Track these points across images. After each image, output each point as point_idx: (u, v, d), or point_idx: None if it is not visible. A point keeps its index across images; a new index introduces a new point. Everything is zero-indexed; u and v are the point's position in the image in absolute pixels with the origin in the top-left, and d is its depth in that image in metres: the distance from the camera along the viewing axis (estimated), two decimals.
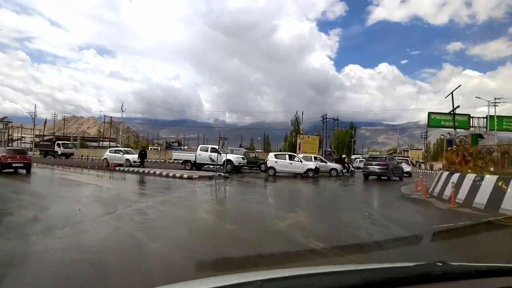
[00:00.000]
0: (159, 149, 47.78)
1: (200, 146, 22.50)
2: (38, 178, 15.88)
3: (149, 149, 60.81)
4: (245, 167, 23.95)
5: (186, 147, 49.96)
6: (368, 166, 20.28)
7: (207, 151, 20.87)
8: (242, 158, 21.83)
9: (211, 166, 17.08)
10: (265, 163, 20.95)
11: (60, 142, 42.40)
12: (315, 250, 4.58)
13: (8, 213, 6.93)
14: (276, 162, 20.13)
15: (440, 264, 1.19)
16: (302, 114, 55.49)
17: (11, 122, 74.91)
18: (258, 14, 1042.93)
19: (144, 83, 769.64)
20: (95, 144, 78.64)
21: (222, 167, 19.19)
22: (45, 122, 66.28)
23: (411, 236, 5.84)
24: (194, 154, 21.73)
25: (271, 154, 21.69)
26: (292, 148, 53.79)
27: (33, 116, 57.24)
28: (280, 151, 52.97)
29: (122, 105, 45.09)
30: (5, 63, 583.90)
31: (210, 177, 16.44)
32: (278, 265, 4.14)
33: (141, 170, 19.95)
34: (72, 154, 38.16)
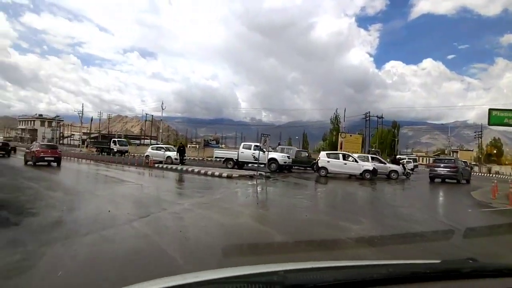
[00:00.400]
0: (198, 147, 47.73)
1: (242, 143, 21.28)
2: (77, 174, 15.76)
3: (188, 147, 61.39)
4: (297, 167, 22.54)
5: (223, 146, 49.61)
6: (436, 168, 18.66)
7: (250, 148, 19.62)
8: (288, 157, 20.36)
9: (254, 165, 15.91)
10: (317, 163, 19.17)
11: (116, 139, 41.48)
12: None
13: (33, 213, 6.18)
14: (328, 162, 18.35)
15: (470, 261, 1.17)
16: (345, 111, 52.60)
17: (62, 120, 79.56)
18: (295, 12, 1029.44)
19: (183, 83, 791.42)
20: (138, 141, 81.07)
21: (265, 166, 18.03)
22: (91, 121, 69.40)
23: None
24: (236, 152, 20.71)
25: (323, 153, 19.91)
26: (332, 147, 51.47)
27: (81, 115, 60.01)
28: (319, 150, 50.87)
29: (162, 103, 45.48)
30: (59, 67, 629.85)
31: (251, 177, 15.29)
32: None
33: (179, 167, 19.30)
34: (127, 151, 37.43)
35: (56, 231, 5.00)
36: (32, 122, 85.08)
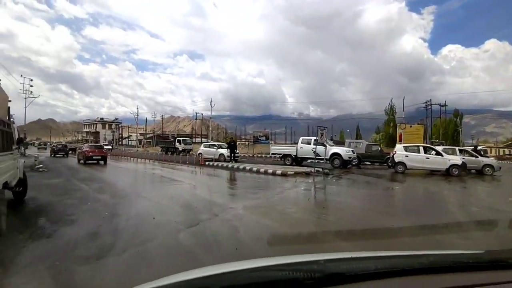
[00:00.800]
0: (247, 143, 47.42)
1: (301, 138, 19.79)
2: (130, 173, 15.63)
3: (237, 144, 61.50)
4: (366, 163, 20.69)
5: (272, 142, 48.58)
6: None
7: (309, 143, 17.94)
8: (352, 151, 18.47)
9: (315, 161, 14.49)
10: (392, 158, 16.85)
11: (181, 138, 41.54)
12: None
13: (71, 221, 5.47)
14: (406, 156, 15.96)
15: None
16: (403, 100, 48.34)
17: (121, 122, 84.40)
18: (340, 2, 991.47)
19: (230, 82, 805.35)
20: (170, 140, 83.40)
21: (328, 161, 16.50)
22: (146, 122, 72.59)
23: None
24: (294, 147, 19.33)
25: (399, 146, 17.44)
26: (389, 140, 47.78)
27: (136, 116, 62.84)
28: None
29: (211, 101, 45.57)
30: (117, 74, 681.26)
31: (308, 174, 13.87)
32: None
33: (231, 165, 18.48)
34: (191, 150, 36.96)
35: (90, 247, 4.13)
36: (95, 125, 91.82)
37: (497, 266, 1.01)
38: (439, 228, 5.37)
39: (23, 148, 36.33)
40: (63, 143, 42.23)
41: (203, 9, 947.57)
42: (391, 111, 56.29)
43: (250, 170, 15.90)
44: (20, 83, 39.06)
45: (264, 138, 45.34)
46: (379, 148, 21.83)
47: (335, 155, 17.29)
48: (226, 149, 21.39)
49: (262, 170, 15.27)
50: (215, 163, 19.89)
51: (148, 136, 73.09)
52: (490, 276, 0.95)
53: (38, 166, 16.27)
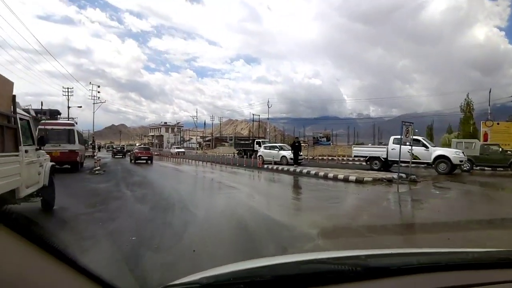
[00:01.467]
0: (307, 145, 44.94)
1: (392, 138, 16.65)
2: (183, 178, 14.37)
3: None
4: (487, 167, 17.11)
5: (332, 143, 45.15)
6: None
7: (405, 144, 14.92)
8: (462, 153, 14.99)
9: (410, 165, 11.80)
10: None
11: (260, 140, 38.34)
12: None
13: (85, 249, 3.85)
14: None
15: None
16: (490, 92, 41.42)
17: (182, 126, 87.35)
18: None
19: (286, 84, 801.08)
20: (248, 142, 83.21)
21: (431, 166, 13.79)
22: (205, 125, 73.90)
23: None
24: (384, 149, 16.33)
25: None
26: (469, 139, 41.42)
27: (196, 120, 64.00)
28: (447, 144, 41.39)
29: (268, 101, 43.93)
30: (179, 81, 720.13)
31: (389, 181, 11.20)
32: None
33: (293, 168, 16.34)
34: None
35: None
36: (159, 129, 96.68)
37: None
38: None
39: (94, 150, 38.49)
40: (121, 145, 47.13)
41: (258, 13, 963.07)
42: (467, 107, 49.31)
43: (316, 175, 13.60)
44: (89, 89, 41.48)
45: (325, 139, 42.25)
46: (500, 149, 17.28)
47: (441, 157, 14.15)
48: (290, 151, 19.27)
49: (330, 175, 12.89)
50: (275, 167, 17.94)
51: (207, 138, 74.30)
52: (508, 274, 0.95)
53: (96, 168, 15.94)
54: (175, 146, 51.48)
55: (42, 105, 35.90)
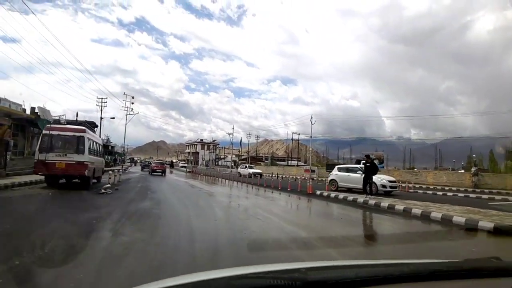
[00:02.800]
0: None
1: None
2: (209, 204, 10.18)
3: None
4: None
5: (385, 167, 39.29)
6: None
7: None
8: None
9: None
10: None
11: (363, 160, 29.77)
12: None
13: None
14: None
15: (493, 260, 1.13)
16: None
17: (218, 144, 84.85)
18: (444, 14, 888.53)
19: (322, 106, 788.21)
20: (283, 163, 78.64)
21: None
22: (241, 143, 70.63)
23: None
24: None
25: None
26: None
27: (231, 137, 60.88)
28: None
29: (312, 117, 39.41)
30: (217, 101, 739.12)
31: None
32: None
33: (364, 199, 11.67)
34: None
35: None
36: (195, 146, 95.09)
37: (474, 275, 1.01)
38: None
39: (123, 163, 36.23)
40: (148, 161, 49.05)
41: (296, 35, 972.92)
42: None
43: (410, 215, 8.85)
44: (122, 100, 39.56)
45: (377, 161, 36.45)
46: None
47: None
48: (388, 179, 14.66)
49: (437, 216, 8.10)
50: (333, 194, 13.28)
51: (242, 157, 70.90)
52: (467, 285, 0.98)
53: (106, 186, 12.39)
54: (247, 165, 36.35)
55: (77, 115, 34.28)
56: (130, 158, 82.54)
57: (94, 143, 15.06)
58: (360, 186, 13.09)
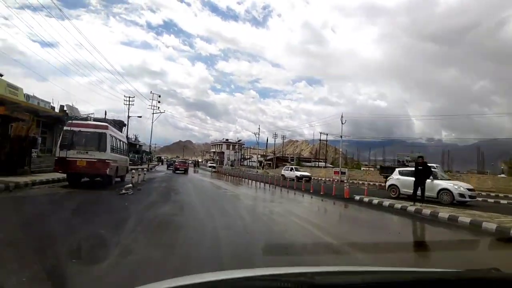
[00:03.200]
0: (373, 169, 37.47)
1: None
2: (237, 210, 8.93)
3: (361, 169, 51.05)
4: None
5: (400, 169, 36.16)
6: None
7: None
8: None
9: None
10: None
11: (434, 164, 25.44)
12: None
13: None
14: None
15: (493, 271, 1.12)
16: None
17: (243, 144, 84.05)
18: (478, 11, 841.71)
19: (348, 106, 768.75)
20: (309, 164, 76.53)
21: None
22: (267, 143, 69.17)
23: None
24: None
25: None
26: None
27: (258, 136, 59.76)
28: None
29: (342, 116, 37.46)
30: (243, 101, 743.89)
31: None
32: None
33: (411, 208, 10.03)
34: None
35: None
36: (220, 146, 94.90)
37: (475, 285, 1.01)
38: None
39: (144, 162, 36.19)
40: (172, 159, 50.86)
41: (322, 35, 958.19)
42: None
43: (479, 229, 7.19)
44: (149, 99, 39.40)
45: (413, 164, 33.78)
46: None
47: None
48: (450, 181, 13.05)
49: None
50: (375, 200, 11.68)
51: (268, 157, 69.65)
52: None
53: (127, 186, 11.53)
54: (292, 167, 33.52)
55: (106, 114, 34.33)
56: (157, 157, 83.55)
57: (118, 140, 14.32)
58: (432, 194, 11.68)
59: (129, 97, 36.95)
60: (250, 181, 25.85)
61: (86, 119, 16.28)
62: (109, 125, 12.93)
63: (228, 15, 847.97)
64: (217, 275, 0.91)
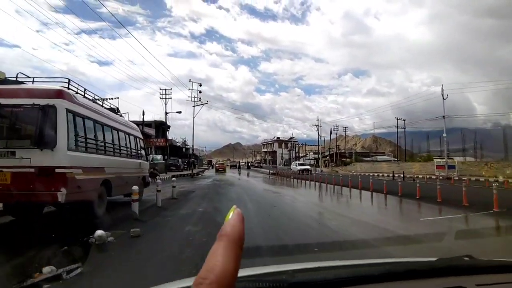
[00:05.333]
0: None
1: None
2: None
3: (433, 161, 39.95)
4: None
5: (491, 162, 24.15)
6: None
7: None
8: None
9: None
10: None
11: None
12: None
13: None
14: None
15: (466, 258, 1.12)
16: None
17: (296, 141, 75.83)
18: None
19: (400, 95, 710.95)
20: (368, 158, 65.73)
21: None
22: (318, 142, 59.59)
23: None
24: None
25: None
26: None
27: (319, 127, 51.13)
28: None
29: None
30: (288, 100, 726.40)
31: None
32: None
33: None
34: None
35: None
36: (272, 145, 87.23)
37: (447, 273, 1.01)
38: None
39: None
40: (220, 162, 51.78)
41: (364, 24, 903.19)
42: None
43: None
44: (189, 89, 32.53)
45: None
46: None
47: None
48: None
49: None
50: None
51: (326, 154, 60.64)
52: (441, 282, 0.97)
53: (135, 231, 4.23)
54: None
55: (143, 114, 28.66)
56: (208, 161, 78.93)
57: (108, 129, 7.26)
58: None
59: (165, 89, 30.59)
60: (315, 182, 17.75)
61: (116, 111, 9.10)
62: (68, 91, 5.70)
63: (267, 15, 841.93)
64: (189, 281, 0.89)
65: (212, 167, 58.00)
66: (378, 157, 66.00)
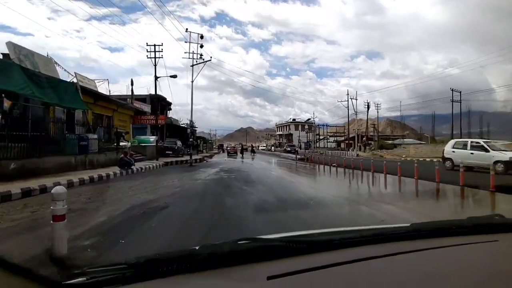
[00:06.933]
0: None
1: None
2: None
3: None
4: None
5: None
6: None
7: None
8: None
9: None
10: None
11: None
12: None
13: None
14: None
15: (496, 217, 1.12)
16: None
17: (314, 123, 68.92)
18: None
19: (415, 77, 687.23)
20: (389, 141, 59.00)
21: None
22: (348, 122, 52.86)
23: None
24: None
25: None
26: None
27: (352, 102, 44.11)
28: None
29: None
30: (299, 83, 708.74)
31: None
32: None
33: None
34: None
35: None
36: (287, 127, 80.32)
37: (477, 231, 1.00)
38: None
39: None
40: (232, 146, 47.18)
41: (378, 4, 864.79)
42: None
43: None
44: (185, 41, 25.06)
45: None
46: None
47: None
48: None
49: None
50: None
51: (350, 136, 53.87)
52: (471, 239, 0.93)
53: None
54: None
55: (132, 84, 22.38)
56: (219, 145, 73.39)
57: None
58: None
59: (154, 45, 22.75)
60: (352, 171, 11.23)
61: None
62: None
63: None
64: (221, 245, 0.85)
65: (223, 151, 52.64)
66: (405, 140, 60.25)
